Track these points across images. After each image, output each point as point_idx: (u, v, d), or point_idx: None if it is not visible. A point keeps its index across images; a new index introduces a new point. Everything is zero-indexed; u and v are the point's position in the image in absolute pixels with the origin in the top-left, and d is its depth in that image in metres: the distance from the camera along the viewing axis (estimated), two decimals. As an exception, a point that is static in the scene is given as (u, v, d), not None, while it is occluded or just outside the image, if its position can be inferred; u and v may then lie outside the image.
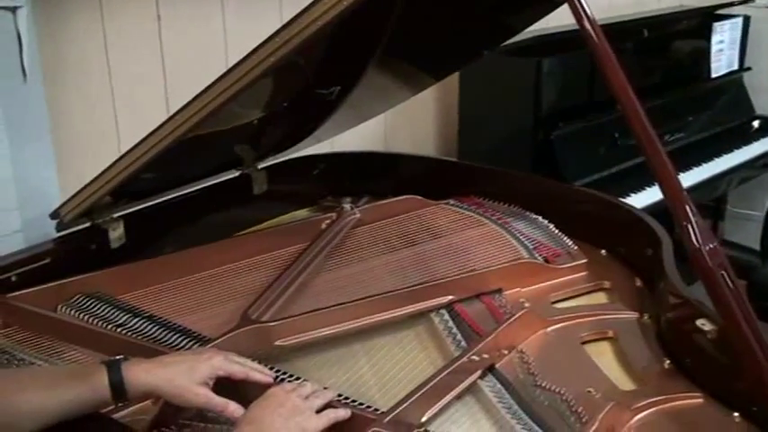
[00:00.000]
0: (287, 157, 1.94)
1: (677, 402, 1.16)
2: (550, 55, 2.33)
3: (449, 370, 1.18)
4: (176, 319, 1.40)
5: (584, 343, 1.35)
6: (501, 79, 2.38)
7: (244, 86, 1.35)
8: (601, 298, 1.53)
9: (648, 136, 0.99)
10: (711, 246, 0.98)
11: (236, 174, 1.85)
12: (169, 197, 1.69)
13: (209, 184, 1.79)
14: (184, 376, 1.07)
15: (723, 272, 0.97)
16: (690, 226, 0.98)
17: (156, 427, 1.11)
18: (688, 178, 2.69)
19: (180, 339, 1.32)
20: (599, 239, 1.67)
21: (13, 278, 1.45)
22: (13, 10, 1.58)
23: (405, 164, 2.04)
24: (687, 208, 0.99)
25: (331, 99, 1.88)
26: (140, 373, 1.06)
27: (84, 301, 1.44)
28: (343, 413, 1.10)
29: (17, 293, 1.42)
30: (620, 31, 2.56)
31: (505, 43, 2.22)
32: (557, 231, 1.70)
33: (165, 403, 1.12)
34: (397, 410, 1.09)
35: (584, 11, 1.09)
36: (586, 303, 1.49)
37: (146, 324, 1.37)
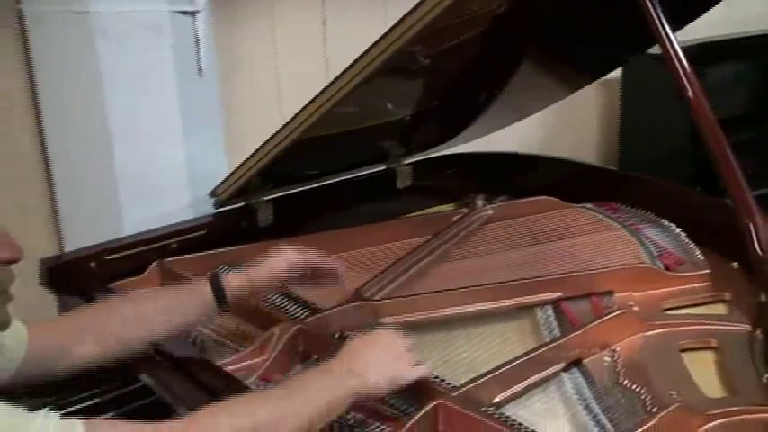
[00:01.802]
0: (432, 155, 2.05)
1: (760, 415, 1.13)
2: (714, 63, 2.24)
3: (527, 357, 1.23)
4: (301, 293, 1.54)
5: (684, 350, 1.34)
6: (662, 87, 2.32)
7: (372, 72, 1.46)
8: (719, 309, 1.48)
9: (717, 138, 0.99)
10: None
11: (383, 167, 1.99)
12: (316, 185, 1.86)
13: (356, 175, 1.94)
14: (265, 272, 1.33)
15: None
16: (752, 226, 0.97)
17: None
18: None
19: (298, 309, 1.47)
20: (733, 251, 1.61)
21: (174, 245, 1.67)
22: (193, 14, 1.82)
23: (549, 166, 2.07)
24: (752, 208, 0.98)
25: (483, 98, 1.96)
26: (233, 277, 1.32)
27: (227, 270, 1.63)
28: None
29: (174, 258, 1.64)
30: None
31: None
32: (686, 240, 1.67)
33: None
34: (467, 388, 1.16)
35: (669, 38, 1.11)
36: (700, 313, 1.47)
37: (274, 294, 1.53)
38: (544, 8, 1.74)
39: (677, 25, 1.58)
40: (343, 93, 1.49)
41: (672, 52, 1.12)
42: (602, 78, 2.31)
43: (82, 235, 1.75)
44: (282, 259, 1.34)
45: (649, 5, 1.16)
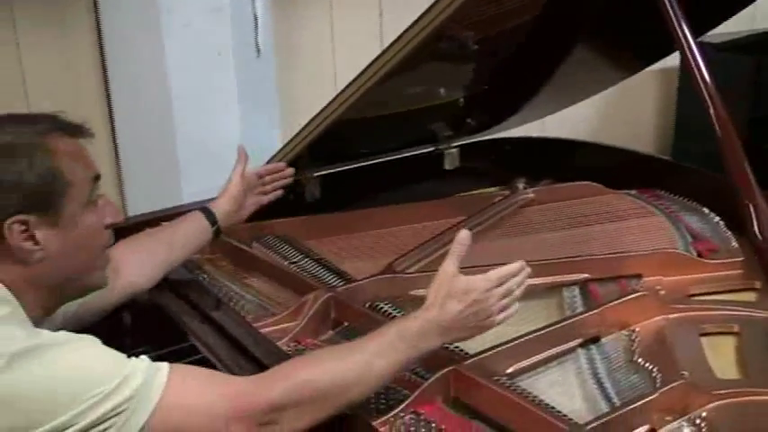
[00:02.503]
0: (480, 138, 2.09)
1: (765, 397, 1.15)
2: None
3: (542, 332, 1.28)
4: (339, 264, 1.62)
5: (705, 334, 1.36)
6: (721, 77, 2.29)
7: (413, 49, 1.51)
8: (749, 296, 1.49)
9: (723, 121, 1.02)
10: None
11: (431, 149, 2.05)
12: (363, 163, 1.93)
13: (405, 155, 2.00)
14: (231, 187, 1.56)
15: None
16: (752, 207, 0.99)
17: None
18: None
19: (333, 278, 1.55)
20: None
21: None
22: (253, -4, 1.91)
23: (594, 152, 2.10)
24: (753, 190, 1.00)
25: (534, 82, 2.00)
26: (217, 201, 1.54)
27: (273, 240, 1.72)
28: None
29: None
30: None
31: (728, 39, 2.18)
32: (724, 228, 1.67)
33: None
34: (481, 357, 1.21)
35: (683, 31, 1.13)
36: (727, 299, 1.48)
37: (313, 264, 1.62)
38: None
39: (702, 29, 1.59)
40: (385, 72, 1.55)
41: (685, 44, 1.14)
42: (660, 67, 2.31)
43: (144, 202, 1.87)
44: (234, 172, 1.57)
45: (672, 16, 1.18)
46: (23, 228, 1.04)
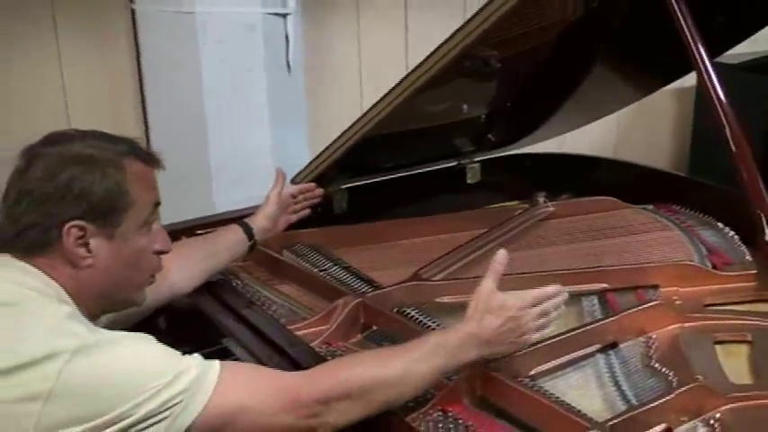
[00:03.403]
0: (501, 154, 2.16)
1: (779, 401, 1.21)
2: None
3: (563, 337, 1.34)
4: (366, 272, 1.69)
5: (719, 342, 1.41)
6: (737, 97, 2.35)
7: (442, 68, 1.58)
8: (761, 307, 1.54)
9: (738, 138, 1.08)
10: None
11: (454, 163, 2.11)
12: (388, 176, 2.00)
13: (428, 169, 2.07)
14: (268, 207, 1.67)
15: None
16: (764, 216, 1.05)
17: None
18: None
19: (362, 285, 1.61)
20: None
21: (255, 226, 1.84)
22: (284, 16, 1.99)
23: (613, 168, 2.16)
24: (766, 202, 1.05)
25: (555, 99, 2.06)
26: (254, 218, 1.65)
27: (303, 249, 1.79)
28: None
29: (257, 237, 1.80)
30: None
31: (747, 60, 2.23)
32: (738, 242, 1.73)
33: None
34: (504, 358, 1.27)
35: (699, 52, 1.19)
36: (741, 309, 1.53)
37: (342, 272, 1.69)
38: (617, 13, 1.83)
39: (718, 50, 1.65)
40: (412, 91, 1.62)
41: (701, 64, 1.21)
42: (677, 86, 2.37)
43: (177, 211, 1.94)
44: (272, 193, 1.69)
45: (689, 37, 1.24)
46: (80, 233, 1.12)
